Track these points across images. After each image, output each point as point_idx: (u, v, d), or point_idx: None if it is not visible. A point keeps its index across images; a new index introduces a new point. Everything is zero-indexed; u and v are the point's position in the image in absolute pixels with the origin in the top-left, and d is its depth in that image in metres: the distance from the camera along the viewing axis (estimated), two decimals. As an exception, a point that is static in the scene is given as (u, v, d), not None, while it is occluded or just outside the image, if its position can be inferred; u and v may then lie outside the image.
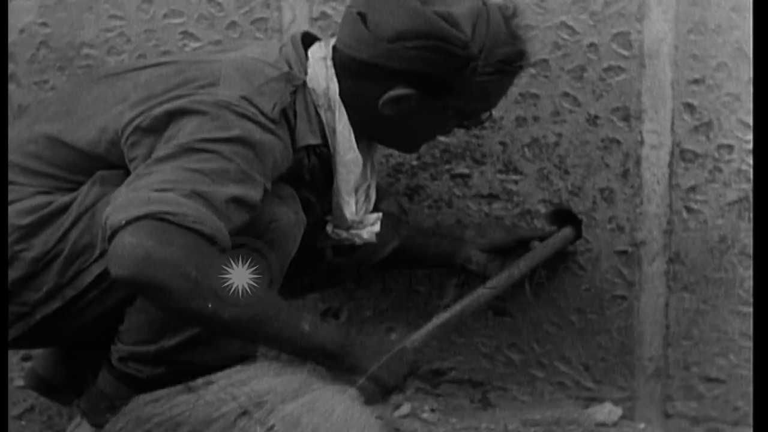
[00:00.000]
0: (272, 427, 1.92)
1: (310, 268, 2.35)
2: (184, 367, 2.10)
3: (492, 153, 2.53)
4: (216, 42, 2.69)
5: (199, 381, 2.00)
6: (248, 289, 1.94)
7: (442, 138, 2.52)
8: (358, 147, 2.21)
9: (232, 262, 1.94)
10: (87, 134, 2.12)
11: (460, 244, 2.49)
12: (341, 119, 2.17)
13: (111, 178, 2.08)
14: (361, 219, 2.29)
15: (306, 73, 2.16)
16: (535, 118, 2.48)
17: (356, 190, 2.27)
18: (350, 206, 2.25)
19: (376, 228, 2.31)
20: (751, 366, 2.40)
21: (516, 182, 2.53)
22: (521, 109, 2.49)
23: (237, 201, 1.98)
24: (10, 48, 2.81)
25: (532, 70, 2.45)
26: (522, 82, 2.46)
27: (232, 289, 1.93)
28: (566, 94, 2.45)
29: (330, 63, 2.16)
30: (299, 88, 2.14)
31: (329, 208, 2.27)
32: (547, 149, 2.49)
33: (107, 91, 2.16)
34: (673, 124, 2.39)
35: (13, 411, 2.71)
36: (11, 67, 2.81)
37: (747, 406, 2.43)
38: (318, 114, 2.17)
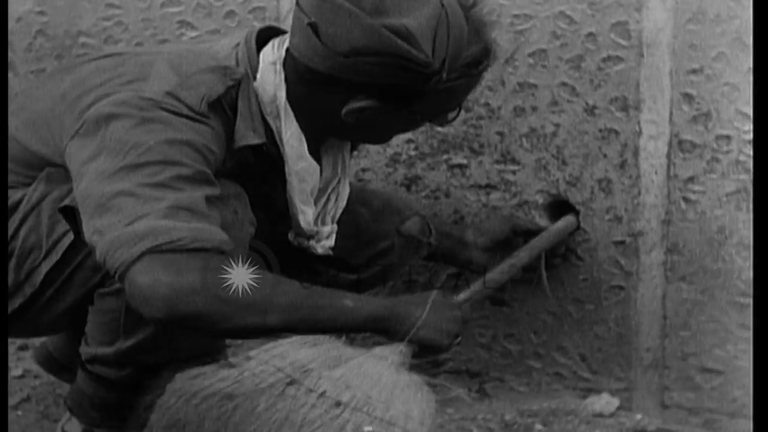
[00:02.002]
0: (324, 393, 1.89)
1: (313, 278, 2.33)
2: (150, 367, 2.07)
3: (490, 143, 2.53)
4: (213, 31, 2.69)
5: (238, 357, 1.96)
6: (280, 293, 1.91)
7: (439, 128, 2.52)
8: (325, 146, 2.17)
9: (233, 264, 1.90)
10: (31, 132, 2.08)
11: (461, 246, 2.49)
12: (289, 127, 2.09)
13: (57, 176, 2.04)
14: (317, 231, 2.22)
15: (254, 78, 2.07)
16: (533, 108, 2.48)
17: (327, 189, 2.21)
18: (305, 215, 2.18)
19: (330, 242, 2.24)
20: (748, 357, 2.40)
21: (514, 172, 2.52)
22: (519, 99, 2.48)
23: (209, 200, 1.93)
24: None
25: (530, 60, 2.45)
26: (520, 72, 2.46)
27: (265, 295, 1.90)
28: (564, 84, 2.44)
29: (280, 68, 2.07)
30: (242, 84, 2.05)
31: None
32: (545, 139, 2.48)
33: (54, 87, 2.11)
34: (671, 114, 2.39)
35: (9, 400, 2.70)
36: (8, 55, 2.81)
37: (744, 397, 2.43)
38: (262, 114, 2.08)
